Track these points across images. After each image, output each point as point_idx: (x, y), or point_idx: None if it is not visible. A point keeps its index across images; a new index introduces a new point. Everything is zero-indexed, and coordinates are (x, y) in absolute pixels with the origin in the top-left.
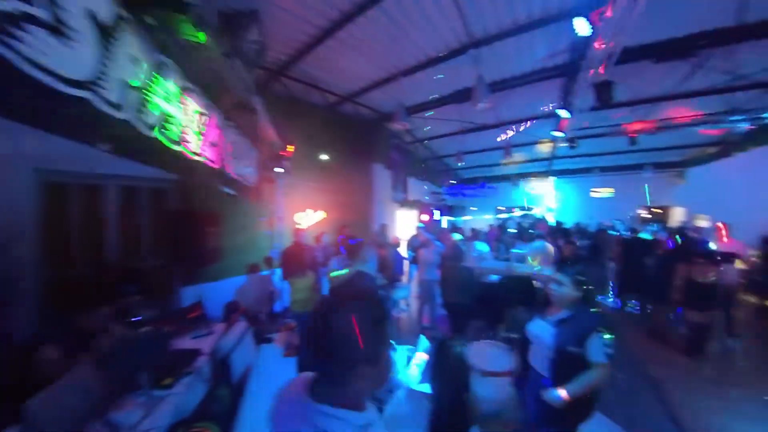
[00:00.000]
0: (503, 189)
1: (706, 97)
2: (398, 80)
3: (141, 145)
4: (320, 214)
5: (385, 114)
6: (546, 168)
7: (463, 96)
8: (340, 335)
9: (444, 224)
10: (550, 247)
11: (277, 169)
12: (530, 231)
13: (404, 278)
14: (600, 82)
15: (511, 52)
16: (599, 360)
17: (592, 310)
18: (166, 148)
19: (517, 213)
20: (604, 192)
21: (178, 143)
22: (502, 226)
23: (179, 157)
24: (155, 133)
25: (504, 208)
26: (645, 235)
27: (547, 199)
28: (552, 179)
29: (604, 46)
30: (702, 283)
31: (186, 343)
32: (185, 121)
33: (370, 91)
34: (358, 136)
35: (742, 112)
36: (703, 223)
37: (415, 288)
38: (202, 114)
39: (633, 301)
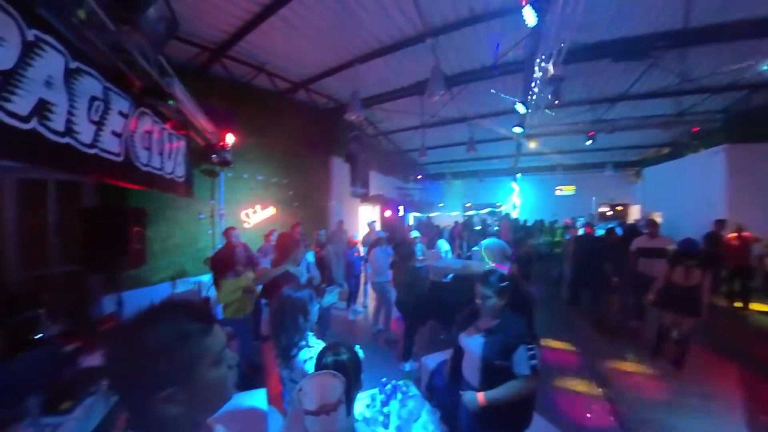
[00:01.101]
0: (472, 185)
1: (659, 99)
2: (354, 67)
3: (13, 138)
4: (269, 211)
5: (344, 104)
6: (511, 165)
7: (424, 88)
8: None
9: (411, 221)
10: (505, 245)
11: (216, 162)
12: (494, 228)
13: (362, 278)
14: (551, 77)
15: (470, 44)
16: (523, 372)
17: (519, 318)
18: (47, 141)
19: (485, 210)
20: (567, 190)
21: (63, 135)
22: (466, 224)
23: (67, 150)
24: (32, 125)
25: (471, 205)
26: (599, 232)
27: (513, 196)
28: (518, 176)
29: (555, 39)
30: (679, 286)
31: (97, 359)
32: (73, 108)
33: (324, 78)
34: (314, 127)
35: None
36: (657, 219)
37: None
38: (97, 100)
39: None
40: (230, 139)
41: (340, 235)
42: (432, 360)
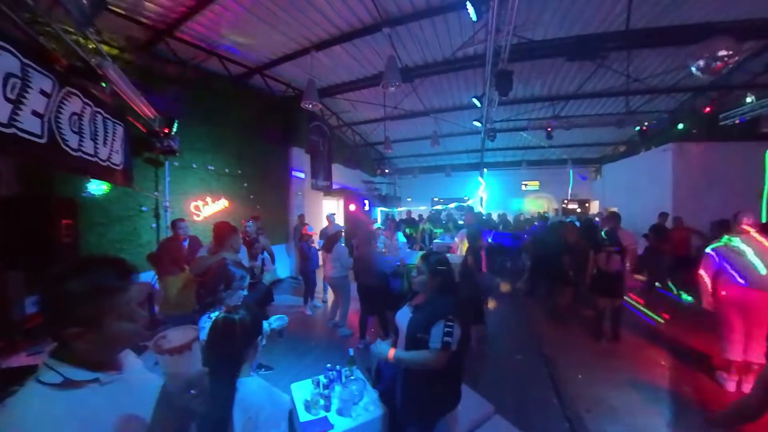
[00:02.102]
0: (439, 180)
1: (611, 98)
2: (311, 54)
3: None
4: (222, 204)
5: (303, 92)
6: (478, 160)
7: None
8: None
9: (378, 215)
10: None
11: (160, 151)
12: (459, 222)
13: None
14: (500, 72)
15: (429, 36)
16: (434, 346)
17: (448, 297)
18: None
19: (452, 204)
20: (532, 185)
21: None
22: (431, 217)
23: None
24: None
25: (439, 199)
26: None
27: (479, 190)
28: (484, 171)
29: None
30: (607, 271)
31: (20, 359)
32: None
33: (281, 64)
34: (272, 116)
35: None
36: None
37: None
38: (13, 77)
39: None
40: (176, 126)
41: (301, 229)
42: (380, 345)
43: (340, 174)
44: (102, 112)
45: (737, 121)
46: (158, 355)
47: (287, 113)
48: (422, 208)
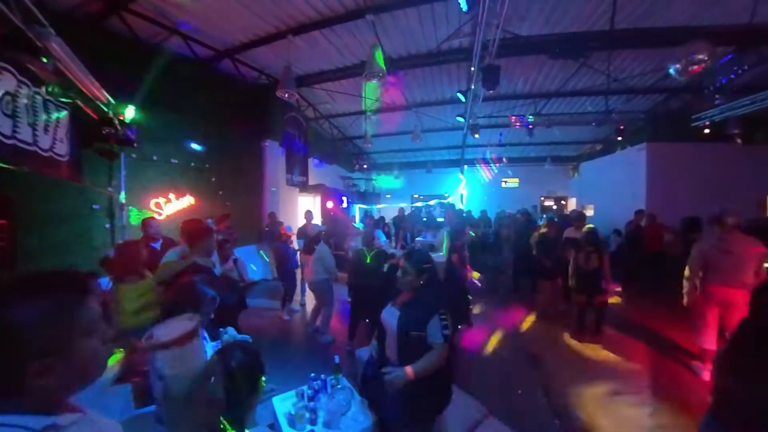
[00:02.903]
0: (420, 176)
1: (591, 97)
2: (287, 39)
3: None
4: (187, 201)
5: (278, 80)
6: (459, 156)
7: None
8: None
9: (356, 212)
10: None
11: (115, 141)
12: (439, 219)
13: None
14: (488, 66)
15: (413, 26)
16: (437, 341)
17: (434, 293)
18: None
19: (433, 201)
20: (512, 182)
21: None
22: (412, 215)
23: None
24: None
25: (419, 196)
26: (538, 222)
27: (460, 187)
28: (465, 168)
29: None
30: (586, 270)
31: None
32: None
33: (254, 49)
34: (244, 104)
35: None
36: (589, 211)
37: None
38: None
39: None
40: (133, 113)
41: (274, 228)
42: (365, 352)
43: (317, 169)
44: (42, 93)
45: (707, 123)
46: (156, 352)
47: (260, 103)
48: (402, 205)
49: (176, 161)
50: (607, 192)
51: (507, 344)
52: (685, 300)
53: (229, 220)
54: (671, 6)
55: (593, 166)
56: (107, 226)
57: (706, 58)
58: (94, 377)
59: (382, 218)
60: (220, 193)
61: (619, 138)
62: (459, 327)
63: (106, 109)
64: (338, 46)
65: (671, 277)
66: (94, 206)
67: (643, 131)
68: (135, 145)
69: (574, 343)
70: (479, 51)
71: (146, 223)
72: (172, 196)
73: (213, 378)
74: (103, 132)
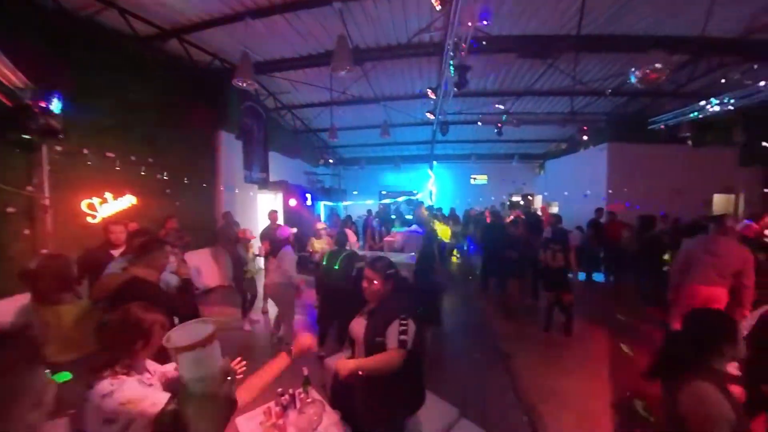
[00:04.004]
0: (388, 172)
1: (557, 97)
2: (245, 21)
3: None
4: (127, 201)
5: (235, 66)
6: (428, 152)
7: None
8: None
9: (321, 210)
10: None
11: (34, 131)
12: (408, 217)
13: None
14: (458, 64)
15: (384, 17)
16: (391, 345)
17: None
18: None
19: (401, 198)
20: (480, 179)
21: None
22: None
23: None
24: None
25: (387, 192)
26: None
27: (429, 183)
28: (434, 164)
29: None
30: (552, 267)
31: None
32: None
33: (206, 29)
34: (195, 91)
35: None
36: (554, 209)
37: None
38: None
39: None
40: (58, 99)
41: (229, 230)
42: (335, 360)
43: (277, 164)
44: None
45: (662, 126)
46: (179, 354)
47: (214, 90)
48: (369, 202)
49: (113, 155)
50: (570, 189)
51: (477, 344)
52: (669, 294)
53: (176, 221)
54: (633, 15)
55: (558, 164)
56: (27, 232)
57: (662, 67)
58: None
59: (349, 217)
60: (168, 191)
61: (585, 137)
62: (429, 329)
63: (22, 95)
64: (302, 33)
65: (629, 272)
66: (9, 209)
67: (605, 132)
68: (60, 136)
69: (542, 339)
70: (451, 47)
71: (109, 229)
72: (108, 195)
73: (230, 377)
74: (20, 121)
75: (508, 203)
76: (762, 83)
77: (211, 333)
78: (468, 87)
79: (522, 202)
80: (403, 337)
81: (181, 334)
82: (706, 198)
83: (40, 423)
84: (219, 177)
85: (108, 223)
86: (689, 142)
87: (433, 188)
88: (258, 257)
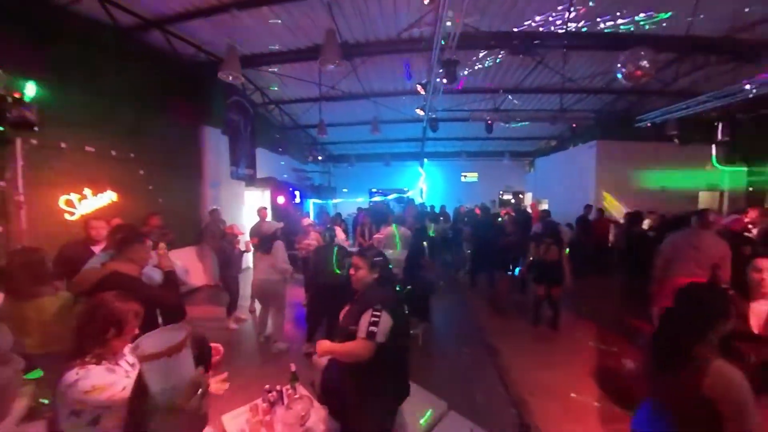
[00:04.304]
0: (378, 169)
1: (547, 95)
2: (231, 13)
3: None
4: (108, 197)
5: (221, 59)
6: (418, 149)
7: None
8: None
9: (311, 208)
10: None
11: (9, 122)
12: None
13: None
14: (446, 60)
15: (373, 11)
16: (360, 335)
17: (390, 288)
18: None
19: (392, 196)
20: (471, 176)
21: None
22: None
23: None
24: None
25: (377, 190)
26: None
27: (420, 181)
28: (424, 161)
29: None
30: (545, 261)
31: None
32: None
33: (191, 21)
34: (180, 85)
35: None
36: (544, 206)
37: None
38: None
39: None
40: (34, 89)
41: (215, 227)
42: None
43: (264, 160)
44: None
45: (648, 124)
46: (144, 363)
47: (199, 84)
48: (359, 199)
49: (93, 149)
50: (560, 186)
51: (466, 338)
52: (652, 288)
53: (160, 218)
54: (622, 12)
55: (548, 161)
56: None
57: (648, 64)
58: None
59: (338, 215)
60: (150, 187)
61: (572, 135)
62: (420, 325)
63: None
64: (290, 26)
65: (617, 268)
66: None
67: (594, 129)
68: (35, 128)
69: (530, 333)
70: (439, 42)
71: (90, 224)
72: (88, 191)
73: (201, 391)
74: None
75: (498, 201)
76: (745, 83)
77: (180, 341)
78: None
79: (513, 200)
80: (372, 328)
81: (151, 341)
82: (690, 194)
83: (9, 380)
84: (204, 173)
85: (88, 218)
86: (676, 140)
87: (424, 186)
88: (245, 253)
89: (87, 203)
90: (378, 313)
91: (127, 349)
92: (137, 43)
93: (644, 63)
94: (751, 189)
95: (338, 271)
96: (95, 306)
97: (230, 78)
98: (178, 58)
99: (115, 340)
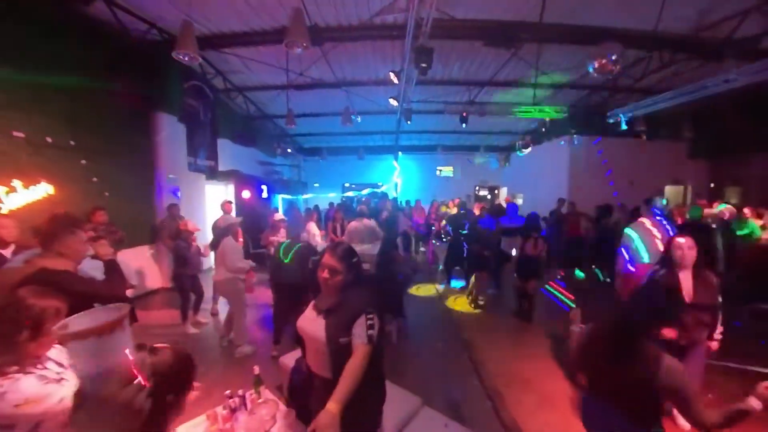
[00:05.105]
0: (351, 163)
1: (521, 88)
2: None
3: None
4: (42, 190)
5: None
6: (393, 142)
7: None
8: None
9: (279, 203)
10: (373, 226)
11: None
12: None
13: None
14: (419, 47)
15: None
16: (360, 342)
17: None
18: None
19: (365, 191)
20: (446, 171)
21: None
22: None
23: None
24: None
25: (350, 185)
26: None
27: (394, 175)
28: (399, 155)
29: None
30: (532, 256)
31: None
32: None
33: None
34: (128, 65)
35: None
36: (518, 200)
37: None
38: None
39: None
40: None
41: (171, 224)
42: (290, 358)
43: (228, 152)
44: None
45: (618, 119)
46: (69, 343)
47: (151, 64)
48: (331, 195)
49: (22, 135)
50: (534, 181)
51: (439, 333)
52: (617, 281)
53: (105, 213)
54: (594, 7)
55: (522, 156)
56: None
57: (617, 58)
58: None
59: (315, 206)
60: (95, 179)
61: (545, 130)
62: (393, 321)
63: None
64: (253, 4)
65: (589, 260)
66: None
67: (567, 125)
68: None
69: (504, 327)
70: (412, 29)
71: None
72: (17, 183)
73: (136, 381)
74: None
75: (473, 196)
76: (708, 80)
77: (113, 320)
78: (432, 75)
79: (489, 196)
80: (370, 332)
81: (80, 320)
82: (658, 188)
83: None
84: (159, 164)
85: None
86: (644, 136)
87: (399, 180)
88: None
89: (16, 197)
90: (371, 316)
91: (52, 353)
92: (76, 15)
93: (613, 57)
94: (712, 185)
95: (287, 262)
96: (3, 306)
97: (186, 59)
98: (127, 35)
99: (30, 343)
